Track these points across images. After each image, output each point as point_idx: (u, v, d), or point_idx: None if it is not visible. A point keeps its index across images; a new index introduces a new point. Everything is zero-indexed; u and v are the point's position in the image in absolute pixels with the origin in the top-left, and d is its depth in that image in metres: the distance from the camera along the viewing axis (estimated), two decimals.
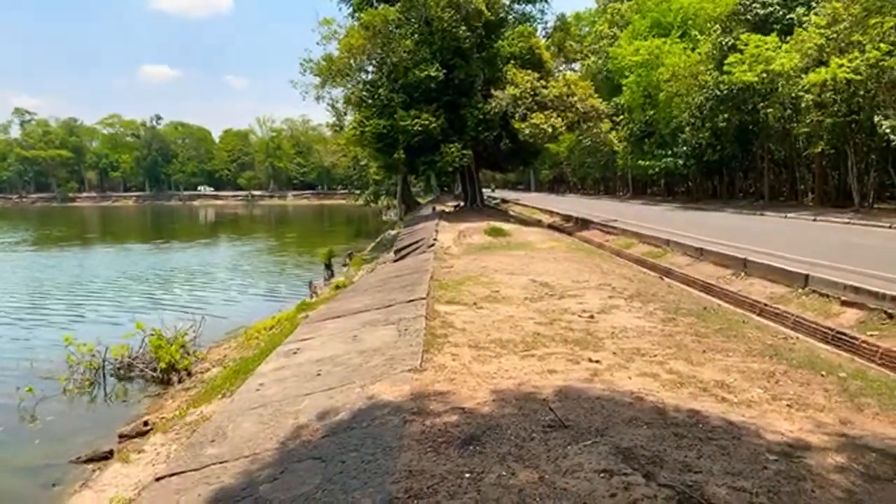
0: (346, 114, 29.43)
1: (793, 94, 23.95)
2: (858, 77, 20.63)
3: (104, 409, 8.80)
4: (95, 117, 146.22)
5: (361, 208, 60.98)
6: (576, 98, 25.21)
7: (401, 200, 46.25)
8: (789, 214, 22.71)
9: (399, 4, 24.90)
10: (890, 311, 7.57)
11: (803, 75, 22.81)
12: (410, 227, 25.50)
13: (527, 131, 24.12)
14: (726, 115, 28.55)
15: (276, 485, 3.42)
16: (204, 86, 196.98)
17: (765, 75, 24.45)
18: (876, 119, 20.51)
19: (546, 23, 31.61)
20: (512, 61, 25.77)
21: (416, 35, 24.67)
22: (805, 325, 8.29)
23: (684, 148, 33.39)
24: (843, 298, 8.46)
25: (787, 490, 3.02)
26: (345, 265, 23.37)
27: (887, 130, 19.86)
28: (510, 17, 28.95)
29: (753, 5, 27.99)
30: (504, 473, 3.19)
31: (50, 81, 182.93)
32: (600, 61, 43.31)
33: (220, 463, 3.92)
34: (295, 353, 6.75)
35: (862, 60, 20.28)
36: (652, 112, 35.58)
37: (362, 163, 50.98)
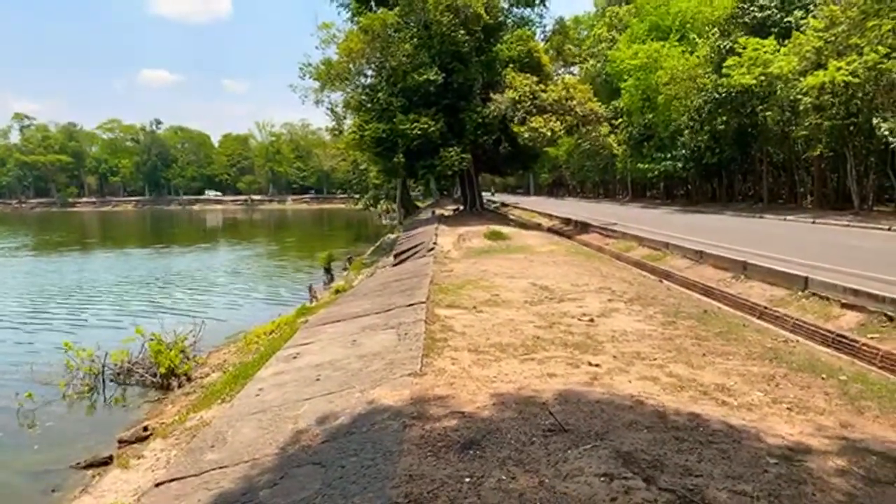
0: (345, 118, 29.47)
1: (791, 97, 24.00)
2: (857, 80, 20.67)
3: (104, 415, 8.80)
4: (95, 122, 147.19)
5: (361, 212, 60.94)
6: (575, 101, 25.20)
7: (400, 204, 46.26)
8: (788, 217, 22.73)
9: (398, 8, 24.95)
10: (890, 313, 7.57)
11: (801, 78, 22.86)
12: (410, 231, 25.51)
13: (526, 135, 24.12)
14: (725, 118, 28.64)
15: (276, 490, 3.41)
16: (203, 90, 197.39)
17: (763, 78, 24.51)
18: (874, 121, 20.55)
19: (545, 26, 31.71)
20: (511, 65, 25.79)
21: (415, 39, 24.71)
22: (805, 328, 8.28)
23: (683, 151, 33.46)
24: (843, 301, 8.46)
25: (787, 494, 3.01)
26: (344, 269, 23.36)
27: (886, 133, 19.88)
28: (509, 20, 28.96)
29: (751, 8, 28.12)
30: (504, 478, 3.19)
31: (49, 86, 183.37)
32: (599, 65, 43.48)
33: (220, 468, 3.91)
34: (295, 357, 6.74)
35: (860, 63, 20.32)
36: (651, 115, 35.67)
37: (361, 167, 50.95)
